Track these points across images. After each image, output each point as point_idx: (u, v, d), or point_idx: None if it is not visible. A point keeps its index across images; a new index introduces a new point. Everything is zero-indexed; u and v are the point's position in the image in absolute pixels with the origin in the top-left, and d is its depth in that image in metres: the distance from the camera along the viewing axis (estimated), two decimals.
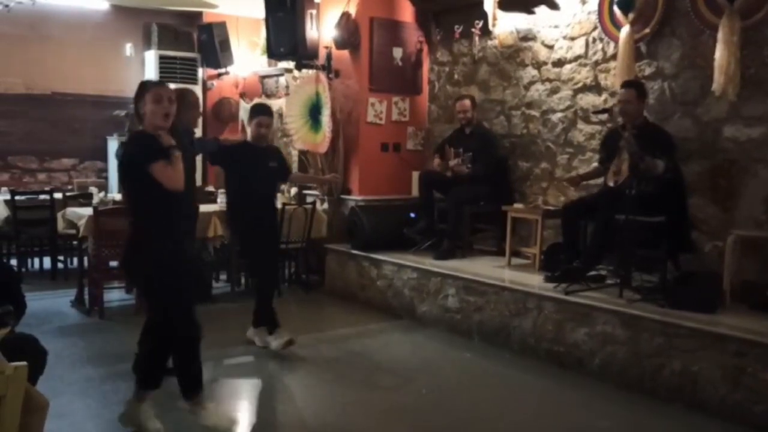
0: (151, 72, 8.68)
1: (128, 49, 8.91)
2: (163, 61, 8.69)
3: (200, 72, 8.97)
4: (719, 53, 4.57)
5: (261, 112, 4.90)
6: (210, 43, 8.64)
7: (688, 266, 4.68)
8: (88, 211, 5.66)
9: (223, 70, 8.85)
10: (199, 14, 8.98)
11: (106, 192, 7.45)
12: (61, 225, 6.24)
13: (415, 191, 6.70)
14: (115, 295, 6.13)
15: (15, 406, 1.78)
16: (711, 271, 4.59)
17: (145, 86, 3.32)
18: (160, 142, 3.18)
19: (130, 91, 8.55)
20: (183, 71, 8.77)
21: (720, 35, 4.56)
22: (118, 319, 5.53)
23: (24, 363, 1.83)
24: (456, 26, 6.61)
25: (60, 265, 7.02)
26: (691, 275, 4.51)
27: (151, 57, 8.76)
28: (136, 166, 3.18)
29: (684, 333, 3.94)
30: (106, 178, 8.69)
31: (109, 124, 8.70)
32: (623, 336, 4.21)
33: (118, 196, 6.69)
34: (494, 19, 6.25)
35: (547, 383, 4.33)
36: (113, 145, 8.41)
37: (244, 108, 8.40)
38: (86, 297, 5.85)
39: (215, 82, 9.06)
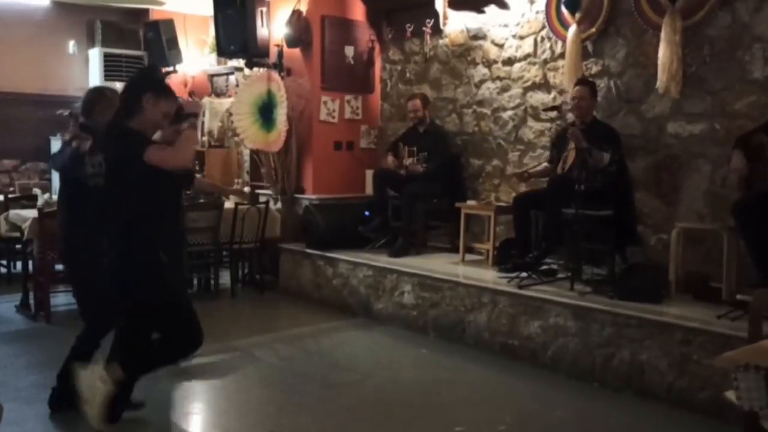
0: (95, 70, 8.46)
1: (71, 46, 8.67)
2: (108, 59, 8.47)
3: None
4: (662, 52, 4.73)
5: None
6: (157, 41, 8.45)
7: (634, 259, 4.84)
8: (32, 213, 5.49)
9: (171, 69, 8.68)
10: (146, 11, 8.79)
11: (51, 194, 7.23)
12: (3, 228, 6.05)
13: (368, 189, 6.72)
14: (61, 299, 5.97)
15: None
16: (657, 263, 4.76)
17: (168, 89, 3.16)
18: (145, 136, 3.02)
19: (73, 89, 8.52)
20: (129, 70, 8.57)
21: (663, 34, 4.72)
22: (65, 324, 5.37)
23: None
24: (407, 25, 6.66)
25: (2, 270, 6.79)
26: (637, 267, 4.67)
27: (96, 55, 8.53)
28: (127, 162, 2.95)
29: (632, 323, 4.06)
30: (49, 180, 8.43)
31: (51, 123, 8.42)
32: (575, 327, 4.32)
33: None
34: (445, 18, 6.33)
35: (502, 375, 4.40)
36: (56, 145, 8.17)
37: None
38: (31, 302, 5.68)
39: None
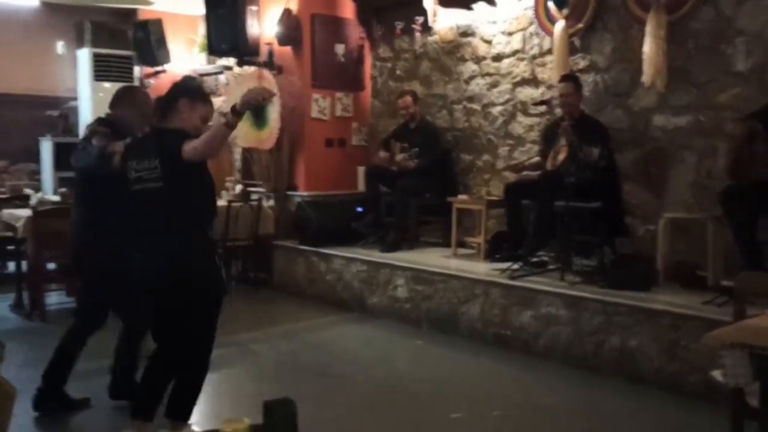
0: (84, 71, 8.46)
1: (60, 47, 8.68)
2: (98, 60, 8.46)
3: (136, 70, 8.80)
4: (648, 46, 4.83)
5: None
6: (146, 41, 8.47)
7: (623, 249, 4.94)
8: (26, 212, 5.51)
9: (160, 68, 8.71)
10: (134, 12, 8.81)
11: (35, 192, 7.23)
12: None
13: (360, 186, 6.79)
14: (54, 299, 6.00)
15: None
16: (645, 253, 4.86)
17: (205, 95, 3.24)
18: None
19: (62, 90, 8.53)
20: (118, 70, 8.58)
21: (648, 29, 4.83)
22: (60, 323, 5.40)
23: (1, 343, 1.85)
24: (397, 23, 6.73)
25: None
26: (626, 257, 4.78)
27: (85, 55, 8.52)
28: (176, 159, 2.95)
29: (622, 311, 4.16)
30: (38, 180, 8.43)
31: (41, 124, 8.44)
32: (566, 316, 4.42)
33: (54, 197, 6.52)
34: (434, 15, 6.39)
35: (496, 365, 4.49)
36: (47, 146, 8.19)
37: None
38: (26, 301, 5.70)
39: (153, 81, 8.91)
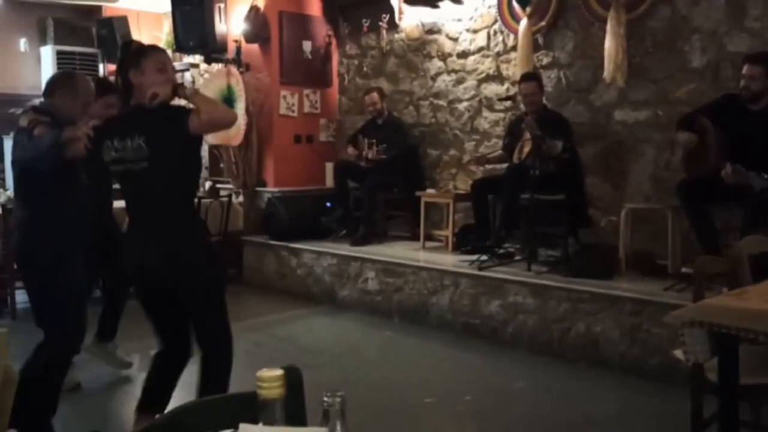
0: (48, 68, 8.35)
1: (22, 44, 8.53)
2: (61, 57, 8.37)
3: (101, 67, 8.72)
4: (608, 44, 5.00)
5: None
6: (111, 38, 8.39)
7: (586, 240, 5.11)
8: None
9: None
10: (98, 9, 8.72)
11: (4, 191, 7.13)
12: None
13: (329, 181, 6.86)
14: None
15: None
16: (607, 243, 5.03)
17: (140, 52, 2.81)
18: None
19: (25, 87, 8.40)
20: (83, 67, 8.48)
21: (608, 27, 5.00)
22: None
23: (5, 329, 1.87)
24: (363, 20, 6.82)
25: None
26: (590, 247, 4.95)
27: (48, 52, 8.42)
28: (176, 136, 2.71)
29: (586, 298, 4.32)
30: (2, 179, 8.29)
31: (3, 122, 8.28)
32: (533, 305, 4.56)
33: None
34: (400, 13, 6.51)
35: (466, 353, 4.61)
36: (8, 144, 8.04)
37: None
38: None
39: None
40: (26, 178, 3.25)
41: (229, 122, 2.88)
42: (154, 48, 2.95)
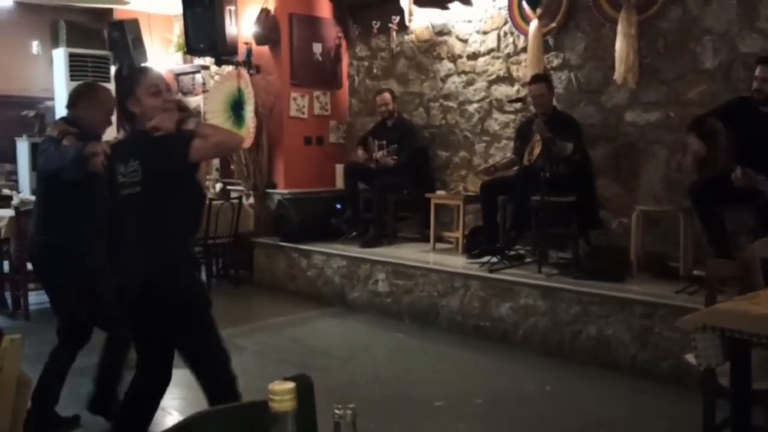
0: (60, 71, 8.41)
1: (35, 47, 8.60)
2: (74, 60, 8.43)
3: (113, 70, 8.77)
4: (619, 45, 4.98)
5: None
6: (122, 41, 8.45)
7: (597, 242, 5.10)
8: (8, 212, 5.50)
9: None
10: (110, 11, 8.77)
11: (18, 193, 7.19)
12: None
13: (339, 183, 6.87)
14: (34, 298, 5.98)
15: (11, 378, 1.84)
16: (618, 245, 5.01)
17: (131, 81, 2.77)
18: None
19: (37, 90, 8.46)
20: (95, 70, 8.55)
21: (619, 28, 4.98)
22: (43, 321, 5.41)
23: (19, 336, 1.90)
24: (373, 22, 6.82)
25: None
26: (601, 249, 4.94)
27: (60, 55, 8.48)
28: (171, 163, 2.65)
29: (597, 301, 4.30)
30: (15, 181, 8.36)
31: (17, 124, 8.36)
32: (543, 307, 4.55)
33: (33, 197, 6.48)
34: (410, 14, 6.48)
35: (476, 356, 4.61)
36: (23, 146, 8.12)
37: None
38: (9, 300, 5.69)
39: None
40: (49, 184, 3.35)
41: (235, 145, 2.88)
42: (142, 72, 2.90)
